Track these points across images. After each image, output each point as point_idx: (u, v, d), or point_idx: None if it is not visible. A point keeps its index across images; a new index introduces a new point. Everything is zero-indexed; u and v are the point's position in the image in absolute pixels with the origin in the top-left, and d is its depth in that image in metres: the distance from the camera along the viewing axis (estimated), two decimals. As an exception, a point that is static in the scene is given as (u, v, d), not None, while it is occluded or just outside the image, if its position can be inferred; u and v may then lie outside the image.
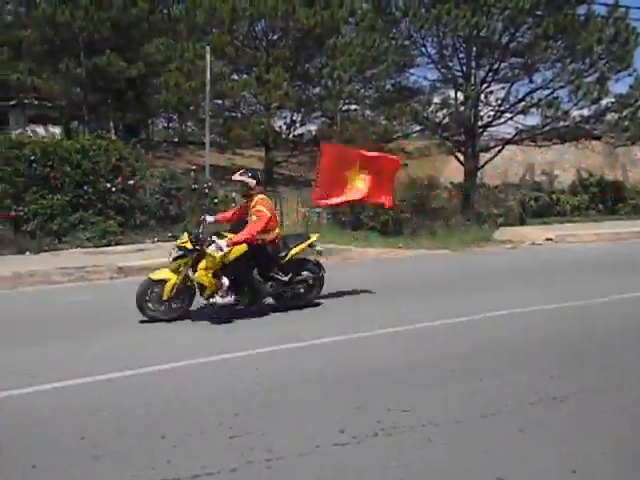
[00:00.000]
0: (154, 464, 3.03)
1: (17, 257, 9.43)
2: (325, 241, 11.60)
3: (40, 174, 10.39)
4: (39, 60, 23.88)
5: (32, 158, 10.34)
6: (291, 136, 23.45)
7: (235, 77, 21.94)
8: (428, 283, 8.03)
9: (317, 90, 22.36)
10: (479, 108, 16.53)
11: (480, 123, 16.87)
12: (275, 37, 22.05)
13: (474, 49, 15.99)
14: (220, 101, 22.31)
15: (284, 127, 23.50)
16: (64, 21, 21.69)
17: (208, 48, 13.36)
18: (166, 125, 36.98)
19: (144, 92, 25.72)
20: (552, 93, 16.01)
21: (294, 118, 23.18)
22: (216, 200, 12.36)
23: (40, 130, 22.19)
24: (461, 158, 17.24)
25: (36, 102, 25.48)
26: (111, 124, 25.39)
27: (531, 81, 16.59)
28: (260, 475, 2.95)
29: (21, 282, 7.53)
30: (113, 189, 11.02)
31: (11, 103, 26.11)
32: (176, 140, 33.02)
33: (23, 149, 10.37)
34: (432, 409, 3.71)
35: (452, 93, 16.93)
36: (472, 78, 16.23)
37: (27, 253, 9.85)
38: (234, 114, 22.81)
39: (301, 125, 23.97)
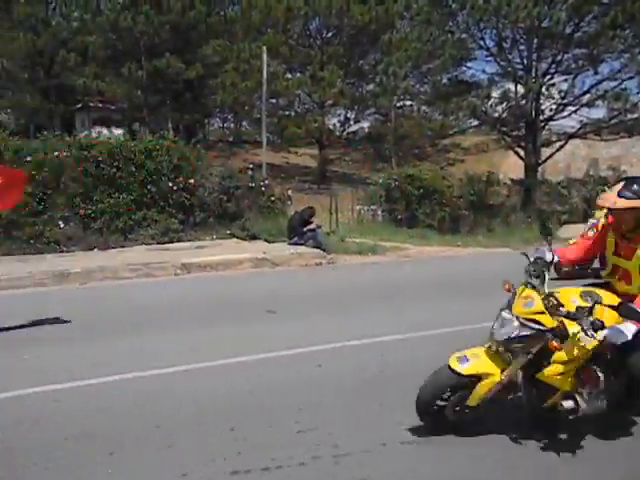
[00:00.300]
0: (225, 455, 3.11)
1: (86, 253, 9.90)
2: (380, 239, 11.58)
3: (107, 174, 10.84)
4: (103, 64, 24.92)
5: (99, 159, 10.81)
6: (345, 133, 23.48)
7: (289, 76, 22.16)
8: (489, 282, 7.83)
9: (371, 87, 22.28)
10: (540, 101, 16.00)
11: (541, 117, 16.34)
12: (329, 35, 22.14)
13: (535, 40, 15.50)
14: (274, 100, 22.61)
15: (338, 125, 23.56)
16: (126, 26, 22.55)
17: (264, 48, 13.56)
18: (221, 125, 37.82)
19: (201, 93, 26.38)
20: (620, 84, 15.32)
21: (348, 115, 23.19)
22: (273, 198, 12.55)
23: (104, 132, 23.16)
24: (521, 153, 16.74)
25: (100, 105, 26.66)
26: (169, 125, 26.21)
27: (596, 72, 15.94)
28: (328, 470, 2.98)
29: (91, 278, 7.90)
30: (175, 188, 11.38)
31: (77, 106, 27.44)
32: (231, 139, 33.70)
33: (91, 150, 10.86)
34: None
35: (512, 86, 16.47)
36: (533, 70, 15.75)
37: (95, 250, 10.32)
38: (288, 113, 23.06)
39: (355, 122, 23.95)
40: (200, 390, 4.03)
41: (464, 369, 3.16)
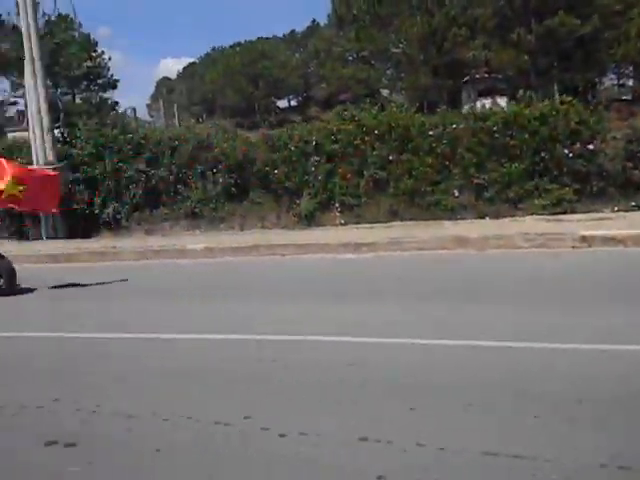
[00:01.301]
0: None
1: (479, 221, 10.32)
2: None
3: (500, 143, 10.94)
4: (490, 34, 25.16)
5: (494, 129, 10.98)
6: None
7: None
8: None
9: None
10: None
11: None
12: None
13: None
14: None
15: None
16: (518, -10, 22.10)
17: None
18: (616, 82, 33.46)
19: (594, 49, 23.85)
20: None
21: None
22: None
23: (487, 103, 23.47)
24: None
25: (486, 76, 27.15)
26: (555, 87, 24.69)
27: None
28: None
29: (488, 245, 8.19)
30: (570, 155, 10.66)
31: (464, 80, 28.63)
32: (628, 98, 29.57)
33: (487, 121, 11.13)
34: None
35: None
36: None
37: (486, 218, 10.64)
38: None
39: None
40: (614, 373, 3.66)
41: None
